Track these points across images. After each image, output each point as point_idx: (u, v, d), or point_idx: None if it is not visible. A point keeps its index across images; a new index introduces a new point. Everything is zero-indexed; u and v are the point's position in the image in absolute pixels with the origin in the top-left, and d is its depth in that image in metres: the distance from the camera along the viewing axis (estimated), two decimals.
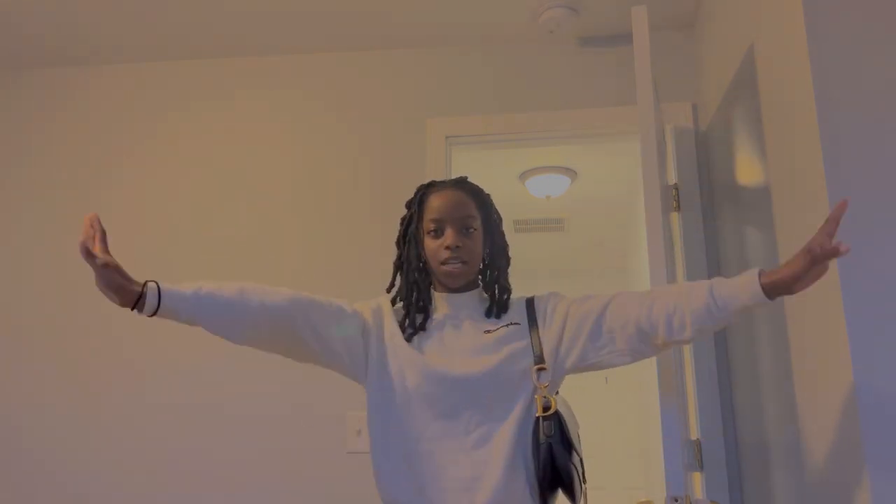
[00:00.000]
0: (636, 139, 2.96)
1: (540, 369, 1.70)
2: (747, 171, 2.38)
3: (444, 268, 1.76)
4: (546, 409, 1.67)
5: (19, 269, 3.02)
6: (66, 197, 3.08)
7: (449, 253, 1.76)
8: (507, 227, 5.42)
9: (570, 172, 4.51)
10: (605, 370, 6.72)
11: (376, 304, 1.84)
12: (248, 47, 3.10)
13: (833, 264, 1.71)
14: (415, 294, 1.81)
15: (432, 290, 1.85)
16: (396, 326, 1.79)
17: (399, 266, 1.86)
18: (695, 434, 2.64)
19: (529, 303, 1.83)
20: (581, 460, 1.75)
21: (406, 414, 1.69)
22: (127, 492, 2.77)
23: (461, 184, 1.86)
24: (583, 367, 1.74)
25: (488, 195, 1.89)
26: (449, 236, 1.77)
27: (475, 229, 1.80)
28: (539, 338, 1.74)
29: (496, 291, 1.84)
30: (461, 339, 1.75)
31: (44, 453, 2.83)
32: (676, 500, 1.85)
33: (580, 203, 5.02)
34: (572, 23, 2.89)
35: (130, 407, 2.84)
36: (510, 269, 1.88)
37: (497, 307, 1.81)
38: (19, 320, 2.96)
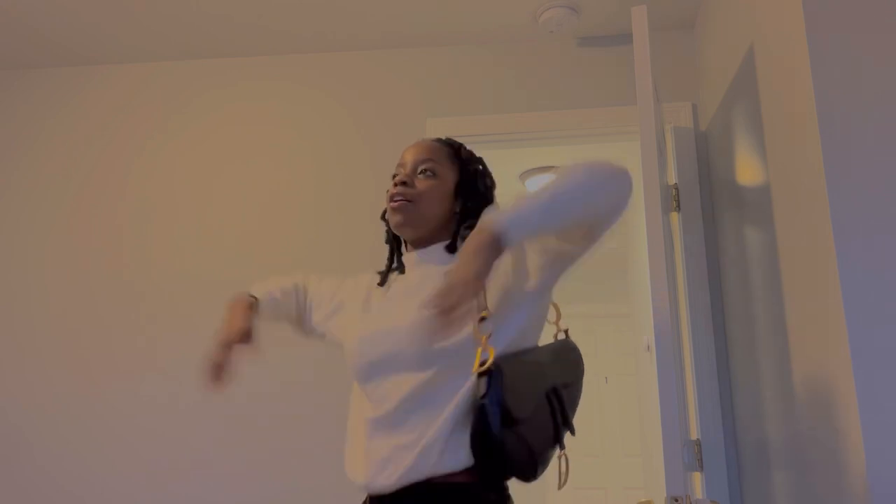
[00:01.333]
0: (636, 139, 2.96)
1: (482, 318, 1.39)
2: (747, 171, 2.38)
3: (390, 205, 1.59)
4: (483, 363, 1.36)
5: (20, 269, 3.02)
6: (66, 197, 3.07)
7: (394, 189, 1.59)
8: None
9: None
10: (607, 371, 6.69)
11: (355, 282, 1.79)
12: (248, 48, 3.10)
13: (833, 264, 1.71)
14: (389, 254, 1.72)
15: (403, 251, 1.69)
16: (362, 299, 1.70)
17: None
18: (695, 434, 2.64)
19: None
20: (556, 426, 1.48)
21: (356, 389, 1.58)
22: (127, 492, 2.76)
23: (438, 138, 1.72)
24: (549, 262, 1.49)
25: (472, 156, 1.69)
26: (399, 175, 1.62)
27: (434, 174, 1.60)
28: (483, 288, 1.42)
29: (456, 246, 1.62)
30: (404, 296, 1.58)
31: (45, 454, 2.83)
32: (676, 500, 1.84)
33: None
34: (572, 23, 2.89)
35: (131, 408, 2.84)
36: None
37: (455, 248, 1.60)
38: (20, 320, 2.96)
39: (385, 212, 1.68)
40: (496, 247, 1.31)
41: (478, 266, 1.30)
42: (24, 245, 3.04)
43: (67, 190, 3.08)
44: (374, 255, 2.90)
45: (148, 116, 3.14)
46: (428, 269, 1.60)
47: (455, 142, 1.70)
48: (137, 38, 3.03)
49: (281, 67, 3.15)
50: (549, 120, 2.99)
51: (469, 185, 1.64)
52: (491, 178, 1.70)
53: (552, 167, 4.45)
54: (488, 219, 1.33)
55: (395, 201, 1.58)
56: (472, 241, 1.32)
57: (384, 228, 1.77)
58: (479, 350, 1.37)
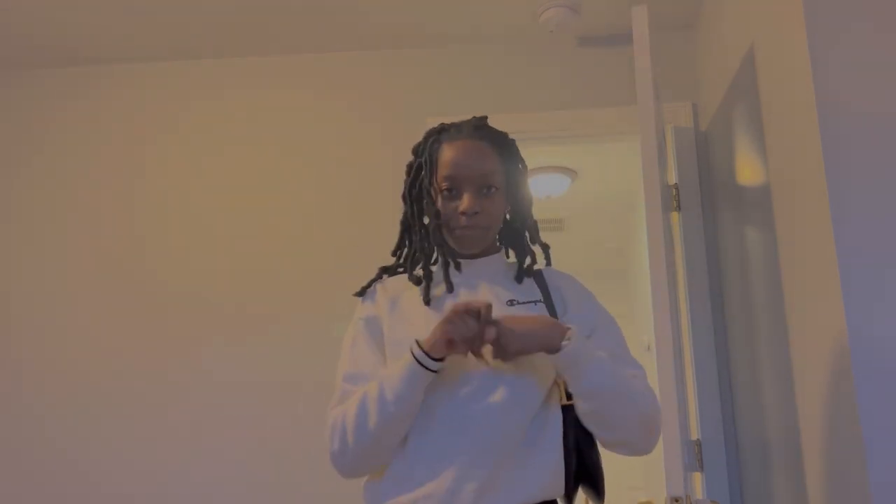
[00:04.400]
0: (636, 139, 2.96)
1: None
2: (747, 170, 2.38)
3: (459, 233, 1.52)
4: (570, 396, 1.44)
5: (21, 269, 3.01)
6: (67, 197, 3.06)
7: (465, 219, 1.50)
8: None
9: (570, 172, 4.51)
10: None
11: (370, 309, 1.57)
12: (249, 48, 3.10)
13: (835, 264, 1.71)
14: (443, 251, 1.54)
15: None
16: (403, 307, 1.54)
17: (406, 225, 1.62)
18: (695, 434, 2.64)
19: (539, 277, 1.61)
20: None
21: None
22: (127, 493, 2.76)
23: (480, 130, 1.56)
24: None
25: (513, 141, 1.61)
26: (466, 200, 1.50)
27: (496, 188, 1.52)
28: (556, 314, 1.53)
29: (522, 254, 1.61)
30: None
31: (48, 453, 2.82)
32: (676, 501, 1.84)
33: (580, 203, 5.02)
34: (572, 23, 2.89)
35: (133, 407, 2.84)
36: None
37: (523, 272, 1.59)
38: (21, 321, 2.95)
39: (404, 197, 1.59)
40: (551, 348, 1.39)
41: (527, 343, 1.39)
42: (27, 245, 3.03)
43: (69, 190, 3.07)
44: (380, 255, 2.89)
45: (152, 116, 3.13)
46: (487, 275, 1.57)
47: (501, 135, 1.59)
48: (142, 38, 3.03)
49: (281, 67, 3.15)
50: (549, 120, 2.99)
51: (515, 175, 1.59)
52: (525, 167, 1.65)
53: (552, 167, 4.45)
54: (572, 333, 1.40)
55: (465, 231, 1.51)
56: (546, 328, 1.40)
57: (414, 237, 1.61)
58: (562, 382, 1.45)
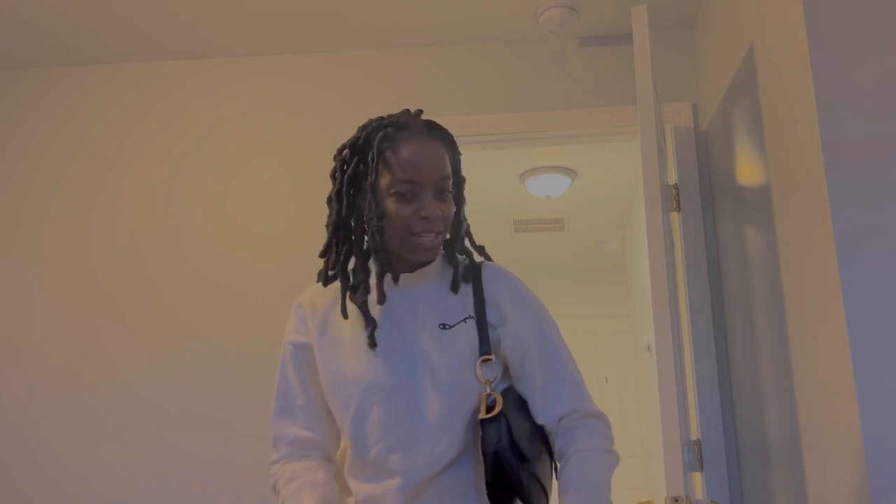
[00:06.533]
0: (636, 139, 2.97)
1: (486, 360, 1.42)
2: (747, 170, 2.38)
3: (418, 240, 1.41)
4: (490, 409, 1.37)
5: (14, 268, 3.01)
6: (60, 198, 3.07)
7: (426, 224, 1.41)
8: (506, 227, 5.42)
9: (570, 172, 4.52)
10: (607, 371, 6.67)
11: (300, 334, 1.52)
12: (248, 48, 3.10)
13: (834, 263, 1.71)
14: (381, 258, 1.44)
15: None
16: (337, 326, 1.49)
17: (336, 227, 1.48)
18: (695, 434, 2.64)
19: (476, 279, 1.51)
20: (551, 457, 1.47)
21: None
22: (122, 491, 2.76)
23: (434, 129, 1.46)
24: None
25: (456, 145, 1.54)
26: (428, 205, 1.41)
27: (450, 191, 1.45)
28: (486, 327, 1.45)
29: (457, 261, 1.53)
30: (415, 334, 1.45)
31: (40, 453, 2.82)
32: (676, 500, 1.85)
33: (580, 203, 5.02)
34: (572, 23, 2.90)
35: (126, 406, 2.84)
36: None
37: (458, 280, 1.50)
38: (15, 319, 2.96)
39: (339, 193, 1.47)
40: None
41: None
42: (19, 244, 3.03)
43: (61, 190, 3.08)
44: None
45: (143, 117, 3.13)
46: (424, 290, 1.49)
47: (450, 135, 1.50)
48: (133, 39, 3.03)
49: (279, 68, 3.15)
50: (549, 120, 2.99)
51: (459, 177, 1.52)
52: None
53: (552, 167, 4.45)
54: None
55: (427, 237, 1.42)
56: None
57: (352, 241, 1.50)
58: (484, 395, 1.39)
